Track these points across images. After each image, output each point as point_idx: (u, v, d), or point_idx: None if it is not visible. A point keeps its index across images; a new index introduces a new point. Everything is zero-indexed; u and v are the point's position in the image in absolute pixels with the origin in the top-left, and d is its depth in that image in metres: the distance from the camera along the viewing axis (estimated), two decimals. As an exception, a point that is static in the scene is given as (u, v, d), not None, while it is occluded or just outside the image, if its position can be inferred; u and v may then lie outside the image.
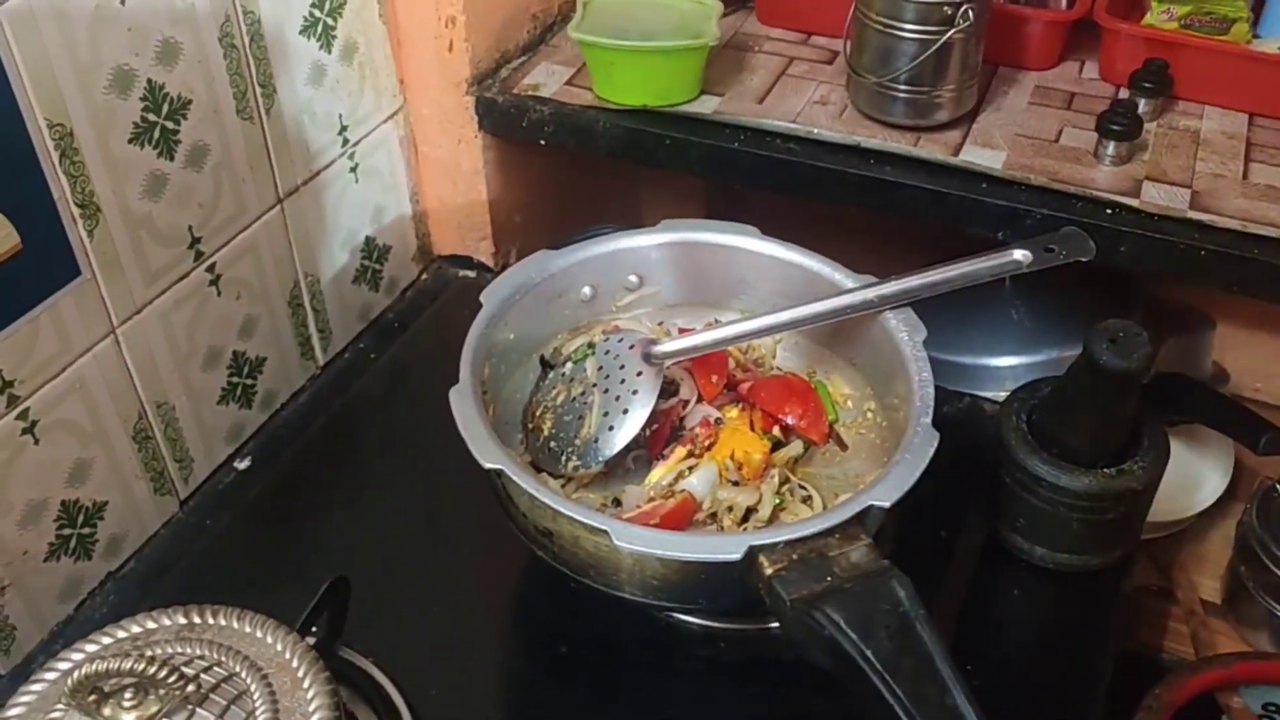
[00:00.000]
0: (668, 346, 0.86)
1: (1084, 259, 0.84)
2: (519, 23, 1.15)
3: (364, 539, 0.91)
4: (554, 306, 0.92)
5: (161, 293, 0.87)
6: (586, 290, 0.93)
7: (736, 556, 0.69)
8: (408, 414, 1.04)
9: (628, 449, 0.83)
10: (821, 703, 0.78)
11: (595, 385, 0.86)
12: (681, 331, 0.94)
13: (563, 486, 0.85)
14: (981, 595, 0.89)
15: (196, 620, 0.67)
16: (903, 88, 1.01)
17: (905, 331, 0.84)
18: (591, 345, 0.89)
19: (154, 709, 0.60)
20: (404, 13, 1.06)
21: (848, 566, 0.69)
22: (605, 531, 0.70)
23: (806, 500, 0.84)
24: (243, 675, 0.63)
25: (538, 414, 0.87)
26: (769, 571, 0.69)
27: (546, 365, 0.92)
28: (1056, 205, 0.95)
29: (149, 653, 0.60)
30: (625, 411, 0.83)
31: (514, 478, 0.73)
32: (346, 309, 1.10)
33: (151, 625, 0.66)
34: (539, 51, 1.16)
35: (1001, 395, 0.96)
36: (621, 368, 0.85)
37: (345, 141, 1.04)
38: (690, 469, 0.84)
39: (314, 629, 0.76)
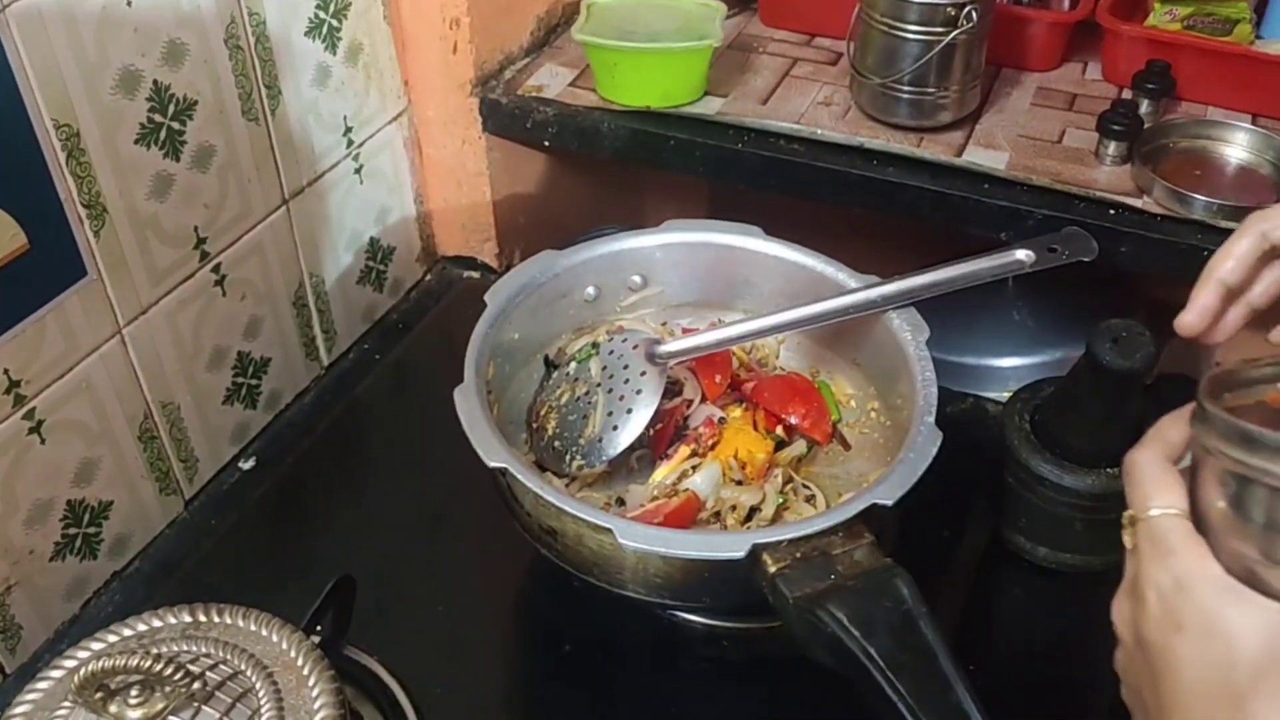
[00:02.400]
0: (671, 346, 0.86)
1: (1086, 259, 0.85)
2: (523, 24, 1.15)
3: (368, 539, 0.91)
4: (558, 307, 0.92)
5: (167, 293, 0.88)
6: (590, 290, 0.93)
7: (740, 554, 0.69)
8: (411, 414, 1.04)
9: (631, 448, 0.83)
10: (824, 701, 0.78)
11: (599, 385, 0.86)
12: (685, 331, 0.94)
13: (567, 486, 0.85)
14: (984, 595, 0.89)
15: (202, 619, 0.67)
16: (906, 89, 1.01)
17: (908, 331, 0.84)
18: (595, 345, 0.89)
19: (160, 706, 0.60)
20: (408, 15, 1.06)
21: (851, 565, 0.69)
22: (609, 530, 0.70)
23: (810, 500, 0.84)
24: (248, 673, 0.63)
25: (542, 414, 0.88)
26: (772, 569, 0.69)
27: (550, 365, 0.92)
28: (1059, 206, 0.96)
29: (155, 650, 0.60)
30: (629, 411, 0.83)
31: (519, 476, 0.73)
32: (351, 310, 1.10)
33: (157, 623, 0.67)
34: (543, 53, 1.17)
35: (1004, 396, 0.96)
36: (625, 367, 0.85)
37: (350, 143, 1.04)
38: (694, 468, 0.84)
39: (319, 628, 0.76)
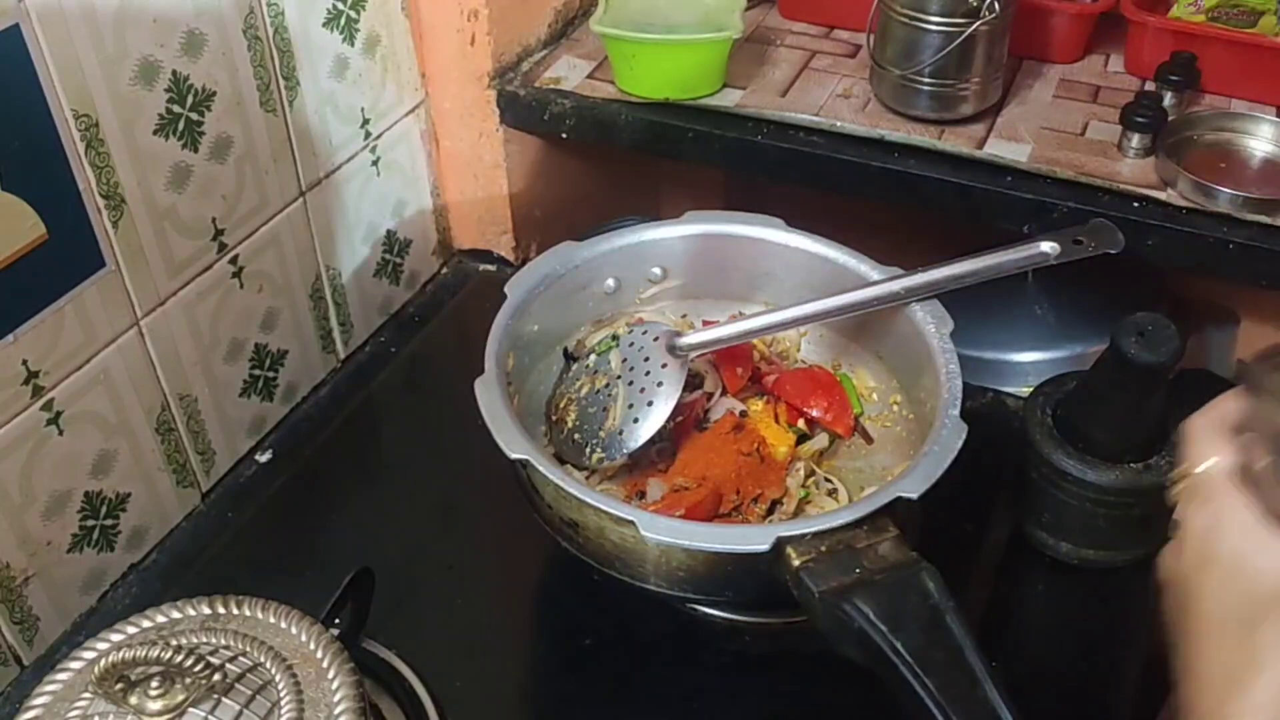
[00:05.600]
0: (692, 339, 0.85)
1: (1113, 251, 0.84)
2: (540, 16, 1.14)
3: (386, 531, 0.91)
4: (578, 298, 0.91)
5: (185, 284, 0.87)
6: (610, 282, 0.92)
7: (764, 548, 0.68)
8: (428, 407, 1.04)
9: (652, 441, 0.83)
10: (846, 696, 0.77)
11: (619, 377, 0.85)
12: (706, 324, 0.93)
13: (586, 479, 0.85)
14: (1006, 591, 0.88)
15: (221, 610, 0.66)
16: (927, 81, 1.00)
17: (932, 324, 0.83)
18: (615, 337, 0.88)
19: (180, 698, 0.59)
20: (426, 6, 1.05)
21: (876, 559, 0.68)
22: (632, 522, 0.69)
23: (832, 493, 0.84)
24: (268, 665, 0.63)
25: (561, 406, 0.87)
26: (797, 563, 0.68)
27: (570, 357, 0.91)
28: (1082, 198, 0.95)
29: (175, 642, 0.60)
30: (650, 404, 0.82)
31: (540, 468, 0.73)
32: (367, 302, 1.10)
33: (176, 615, 0.66)
34: (560, 45, 1.16)
35: (1024, 391, 0.95)
36: (646, 360, 0.85)
37: (367, 135, 1.03)
38: (715, 462, 0.84)
39: (337, 620, 0.76)
